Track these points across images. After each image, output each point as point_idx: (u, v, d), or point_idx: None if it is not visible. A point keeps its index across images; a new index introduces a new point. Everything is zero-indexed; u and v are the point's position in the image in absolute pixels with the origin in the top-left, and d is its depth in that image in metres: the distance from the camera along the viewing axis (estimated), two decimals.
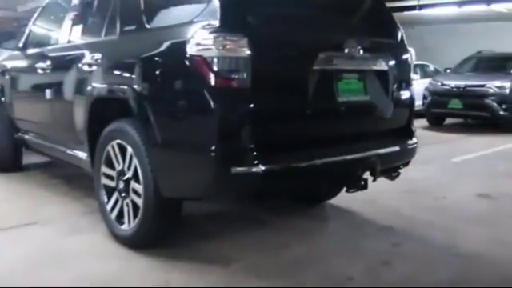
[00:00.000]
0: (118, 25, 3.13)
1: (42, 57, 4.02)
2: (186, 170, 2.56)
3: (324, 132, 2.80)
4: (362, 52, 2.83)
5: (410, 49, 3.38)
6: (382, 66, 3.07)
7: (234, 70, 2.37)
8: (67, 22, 3.83)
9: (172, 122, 2.60)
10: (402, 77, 3.27)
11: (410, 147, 3.28)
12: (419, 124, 10.60)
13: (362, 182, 2.88)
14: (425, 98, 10.16)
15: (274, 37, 2.54)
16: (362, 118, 3.03)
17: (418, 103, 10.55)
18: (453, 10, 12.98)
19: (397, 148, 3.15)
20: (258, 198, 3.00)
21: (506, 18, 13.91)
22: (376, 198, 4.03)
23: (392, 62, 3.14)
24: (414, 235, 3.40)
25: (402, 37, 3.35)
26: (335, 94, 2.79)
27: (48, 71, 3.88)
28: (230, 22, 2.42)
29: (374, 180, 2.99)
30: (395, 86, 3.17)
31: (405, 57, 3.33)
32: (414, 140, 3.33)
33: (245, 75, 2.38)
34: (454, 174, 5.57)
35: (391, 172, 3.24)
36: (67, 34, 3.82)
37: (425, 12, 13.23)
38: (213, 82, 2.35)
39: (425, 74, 11.95)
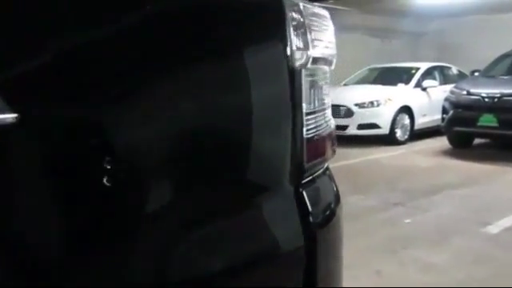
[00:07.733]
0: None
1: None
2: None
3: None
4: None
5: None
6: None
7: None
8: None
9: None
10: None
11: None
12: (438, 146, 7.86)
13: None
14: (445, 111, 7.59)
15: None
16: None
17: (436, 117, 8.01)
18: None
19: None
20: None
21: None
22: None
23: None
24: None
25: None
26: None
27: None
28: None
29: None
30: None
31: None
32: None
33: None
34: (496, 279, 2.90)
35: None
36: None
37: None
38: None
39: (445, 78, 9.33)
